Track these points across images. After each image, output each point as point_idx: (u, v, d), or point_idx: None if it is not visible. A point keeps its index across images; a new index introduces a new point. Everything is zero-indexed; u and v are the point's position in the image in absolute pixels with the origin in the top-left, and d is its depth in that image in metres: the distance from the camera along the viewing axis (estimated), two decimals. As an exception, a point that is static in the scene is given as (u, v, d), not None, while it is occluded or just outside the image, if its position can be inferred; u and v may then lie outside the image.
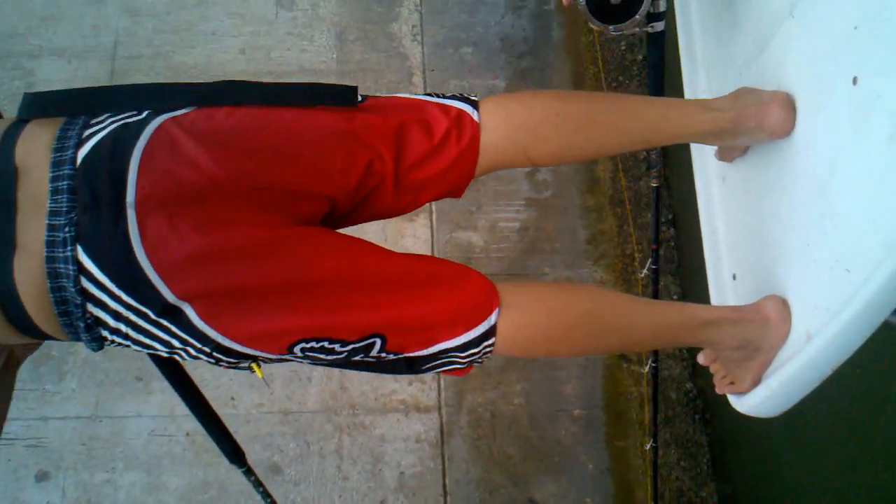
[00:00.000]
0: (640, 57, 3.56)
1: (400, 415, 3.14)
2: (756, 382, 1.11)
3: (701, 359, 1.23)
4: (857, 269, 0.88)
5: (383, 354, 1.06)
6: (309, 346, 1.02)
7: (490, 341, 1.07)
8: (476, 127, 1.09)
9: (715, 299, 1.34)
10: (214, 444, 2.61)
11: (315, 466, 3.00)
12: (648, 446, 2.77)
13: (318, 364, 1.09)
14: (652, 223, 2.46)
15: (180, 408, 2.82)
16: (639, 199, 3.51)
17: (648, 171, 3.53)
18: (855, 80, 0.90)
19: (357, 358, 1.07)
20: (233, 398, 3.00)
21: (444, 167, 1.10)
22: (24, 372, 2.72)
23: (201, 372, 3.02)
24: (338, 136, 1.04)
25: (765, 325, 1.08)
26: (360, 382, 3.14)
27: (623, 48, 3.59)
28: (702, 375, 3.32)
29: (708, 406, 3.31)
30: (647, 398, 3.37)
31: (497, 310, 1.06)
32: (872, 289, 0.83)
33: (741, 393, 1.14)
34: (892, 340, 1.86)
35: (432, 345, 1.07)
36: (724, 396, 2.72)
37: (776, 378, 1.05)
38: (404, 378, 3.21)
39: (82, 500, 2.77)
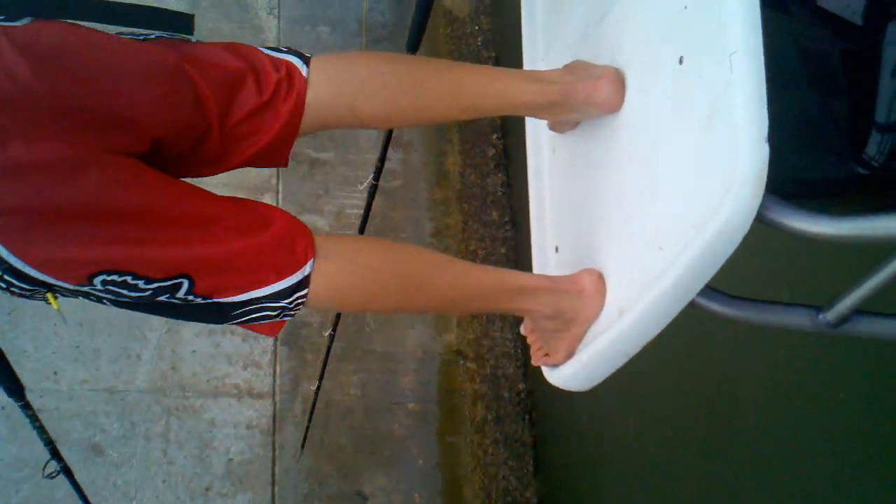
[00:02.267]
0: (495, 54, 4.31)
1: (232, 399, 3.70)
2: (569, 355, 1.24)
3: (521, 328, 1.39)
4: (668, 248, 0.99)
5: (190, 297, 1.15)
6: (111, 279, 1.10)
7: (303, 292, 1.18)
8: (303, 82, 1.23)
9: (537, 270, 1.48)
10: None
11: (139, 449, 3.50)
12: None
13: (120, 303, 1.17)
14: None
15: (-1, 380, 3.27)
16: (485, 195, 4.24)
17: (496, 168, 4.29)
18: (681, 60, 1.01)
19: (162, 299, 1.15)
20: (55, 372, 3.45)
21: (271, 122, 1.23)
22: None
23: (22, 342, 3.47)
24: (168, 71, 1.15)
25: (579, 296, 1.22)
26: (193, 363, 3.67)
27: (479, 43, 4.33)
28: (533, 376, 4.07)
29: (535, 406, 4.05)
30: (481, 395, 4.11)
31: (312, 260, 1.17)
32: (681, 268, 0.95)
33: (554, 365, 1.27)
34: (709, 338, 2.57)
35: (243, 291, 1.17)
36: (550, 397, 3.45)
37: (587, 353, 1.18)
38: (239, 362, 3.77)
39: None
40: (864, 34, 1.08)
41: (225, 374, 3.70)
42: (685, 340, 2.59)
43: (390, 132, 2.25)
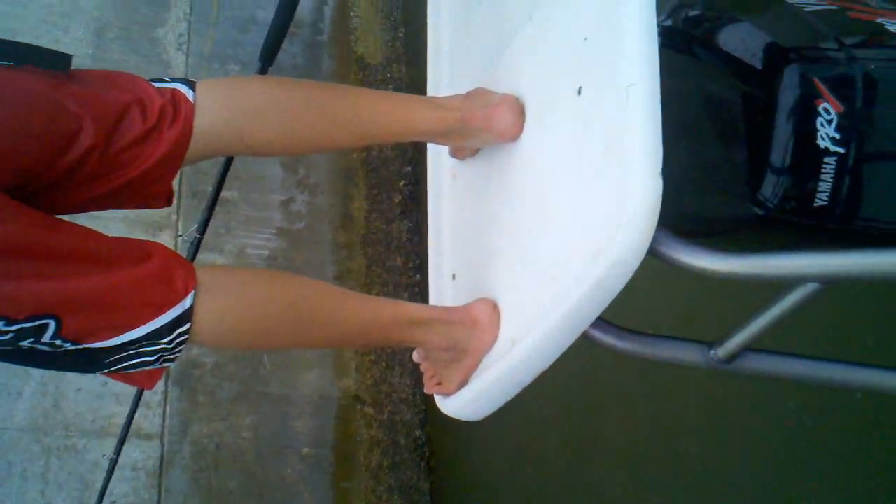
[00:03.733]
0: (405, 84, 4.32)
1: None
2: (462, 385, 1.22)
3: (413, 356, 1.35)
4: (561, 280, 0.99)
5: (58, 342, 1.04)
6: None
7: (184, 328, 1.09)
8: (190, 108, 1.15)
9: (434, 298, 1.47)
10: None
11: (15, 490, 3.27)
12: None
13: None
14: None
15: None
16: (390, 241, 4.20)
17: (402, 215, 4.26)
18: (580, 91, 1.01)
19: (25, 344, 1.04)
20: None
21: (153, 148, 1.14)
22: None
23: None
24: (41, 99, 1.07)
25: (473, 328, 1.20)
26: (78, 402, 3.47)
27: (391, 91, 4.33)
28: (431, 423, 4.02)
29: (433, 453, 3.99)
30: (377, 441, 4.02)
31: (193, 293, 1.08)
32: (572, 300, 0.94)
33: (447, 394, 1.25)
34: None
35: (117, 333, 1.07)
36: (451, 447, 3.42)
37: (478, 382, 1.17)
38: (127, 401, 3.58)
39: None
40: (762, 78, 1.09)
41: (112, 414, 3.51)
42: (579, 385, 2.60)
43: (228, 162, 2.19)
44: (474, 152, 1.38)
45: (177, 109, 1.15)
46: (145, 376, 1.17)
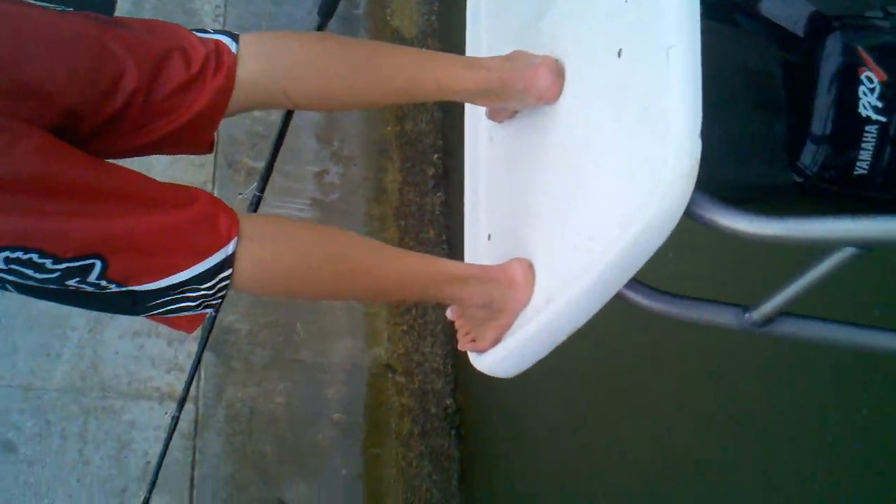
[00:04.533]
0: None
1: (154, 402, 3.56)
2: (496, 342, 1.24)
3: (448, 313, 1.36)
4: (596, 239, 1.00)
5: (104, 283, 1.05)
6: (15, 256, 1.00)
7: (226, 273, 1.09)
8: (233, 59, 1.16)
9: (469, 258, 1.48)
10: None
11: (55, 447, 3.34)
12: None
13: (25, 287, 1.08)
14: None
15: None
16: (423, 213, 4.20)
17: (435, 188, 4.25)
18: (620, 53, 1.01)
19: (72, 283, 1.05)
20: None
21: (196, 97, 1.15)
22: None
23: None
24: (86, 41, 1.08)
25: (509, 286, 1.21)
26: (115, 365, 3.53)
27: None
28: (461, 392, 4.03)
29: (464, 422, 4.01)
30: (408, 409, 4.04)
31: (236, 239, 1.09)
32: (607, 260, 0.95)
33: (481, 351, 1.27)
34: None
35: (161, 276, 1.07)
36: (480, 415, 3.45)
37: (512, 340, 1.19)
38: (163, 365, 3.64)
39: None
40: (804, 46, 1.07)
41: (148, 377, 3.56)
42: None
43: (281, 137, 2.20)
44: (512, 114, 1.37)
45: (220, 60, 1.15)
46: (186, 321, 1.18)
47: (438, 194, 4.19)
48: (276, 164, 3.96)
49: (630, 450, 2.69)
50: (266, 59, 1.18)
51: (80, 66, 1.07)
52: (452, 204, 4.17)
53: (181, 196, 1.12)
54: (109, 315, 3.54)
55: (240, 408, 3.72)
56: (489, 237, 1.44)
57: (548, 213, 1.20)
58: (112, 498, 3.37)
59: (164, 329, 3.68)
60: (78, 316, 3.49)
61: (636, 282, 0.97)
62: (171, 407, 3.58)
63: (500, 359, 1.21)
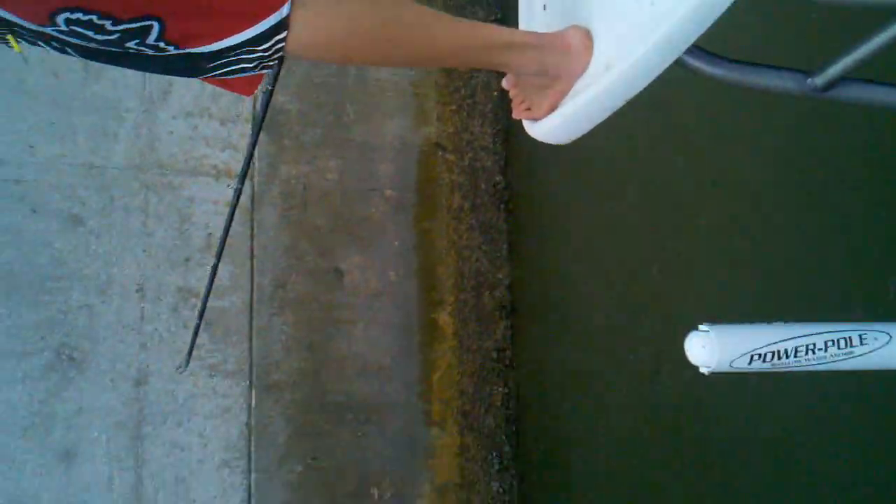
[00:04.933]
0: None
1: (210, 178, 3.65)
2: (552, 109, 1.25)
3: (504, 83, 1.36)
4: (660, 4, 0.98)
5: (162, 45, 1.07)
6: (75, 17, 1.01)
7: (282, 35, 1.10)
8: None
9: (523, 27, 1.46)
10: (11, 189, 3.04)
11: (119, 220, 3.48)
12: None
13: (87, 50, 1.10)
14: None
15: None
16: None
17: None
18: None
19: (132, 45, 1.07)
20: (31, 146, 3.37)
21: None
22: None
23: (-1, 115, 3.37)
24: None
25: (566, 53, 1.21)
26: (171, 144, 3.60)
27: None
28: (511, 168, 4.07)
29: (512, 197, 4.07)
30: (458, 185, 4.10)
31: (289, 2, 1.09)
32: (670, 23, 0.94)
33: (536, 119, 1.29)
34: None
35: (217, 38, 1.09)
36: (528, 190, 3.46)
37: (571, 105, 1.19)
38: (217, 144, 3.69)
39: None
40: None
41: (203, 155, 3.64)
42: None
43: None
44: None
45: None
46: (245, 83, 1.22)
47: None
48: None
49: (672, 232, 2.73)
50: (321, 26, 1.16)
51: None
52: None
53: None
54: (162, 95, 3.57)
55: (294, 184, 3.80)
56: (544, 7, 1.40)
57: (607, -23, 1.15)
58: (178, 266, 3.55)
59: (216, 109, 3.72)
60: (131, 98, 3.52)
61: (697, 48, 0.95)
62: (228, 183, 3.68)
63: (555, 125, 1.21)
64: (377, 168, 3.97)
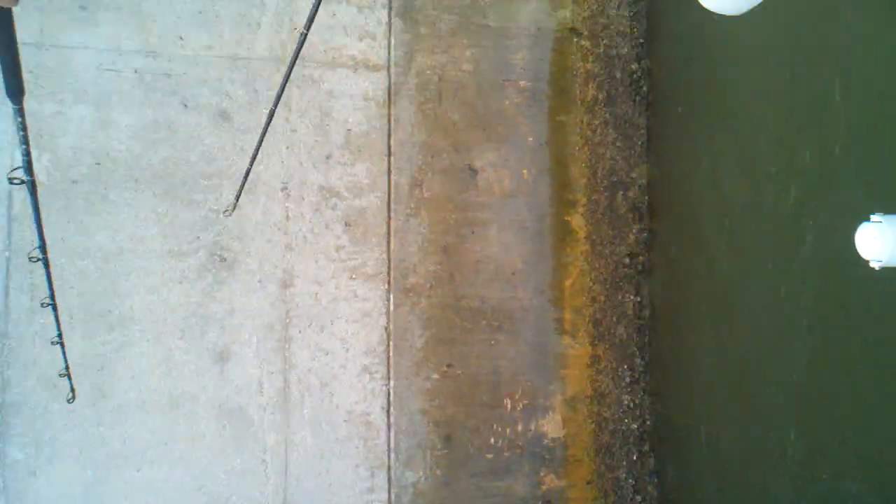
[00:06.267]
0: None
1: (349, 70, 3.55)
2: None
3: None
4: None
5: None
6: None
7: None
8: None
9: None
10: (163, 83, 2.98)
11: (264, 115, 3.42)
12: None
13: None
14: None
15: (128, 42, 3.12)
16: None
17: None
18: None
19: None
20: (181, 38, 3.26)
21: None
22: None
23: (148, 5, 3.26)
24: None
25: None
26: (311, 33, 3.49)
27: None
28: (651, 56, 3.92)
29: (653, 87, 3.94)
30: (593, 75, 3.99)
31: None
32: None
33: None
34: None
35: None
36: (670, 81, 3.26)
37: None
38: (354, 33, 3.57)
39: (33, 130, 3.04)
40: None
41: (341, 45, 3.52)
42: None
43: None
44: None
45: None
46: None
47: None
48: None
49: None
50: None
51: None
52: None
53: None
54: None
55: (429, 75, 3.69)
56: None
57: None
58: (319, 164, 3.48)
59: (354, -8, 3.59)
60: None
61: None
62: (366, 76, 3.59)
63: None
64: (512, 57, 3.84)
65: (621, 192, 3.91)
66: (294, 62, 2.09)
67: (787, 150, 2.80)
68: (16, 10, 2.99)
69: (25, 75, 2.87)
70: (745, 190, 3.08)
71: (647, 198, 3.92)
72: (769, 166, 2.90)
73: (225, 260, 3.32)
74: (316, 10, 2.02)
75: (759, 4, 1.12)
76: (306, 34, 2.41)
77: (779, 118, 2.89)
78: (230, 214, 2.82)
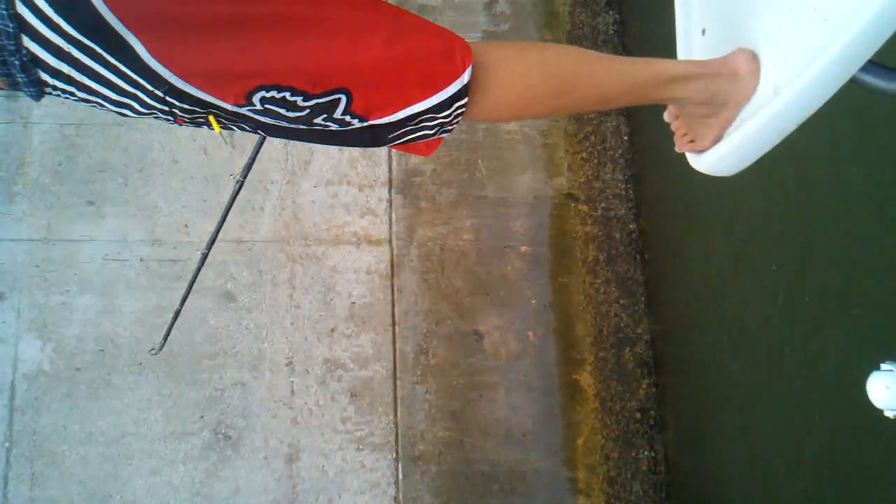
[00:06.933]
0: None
1: (351, 246, 3.72)
2: (717, 140, 1.21)
3: (665, 116, 1.33)
4: (833, 17, 0.92)
5: (348, 118, 1.10)
6: (269, 95, 1.06)
7: (462, 101, 1.13)
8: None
9: (682, 56, 1.41)
10: (168, 269, 3.14)
11: (268, 294, 3.56)
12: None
13: (279, 128, 1.14)
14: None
15: (133, 232, 3.32)
16: (597, 35, 4.07)
17: (607, 7, 4.09)
18: None
19: (319, 121, 1.11)
20: (186, 225, 3.48)
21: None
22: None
23: (153, 198, 3.50)
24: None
25: (732, 79, 1.17)
26: (313, 213, 3.68)
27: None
28: (645, 217, 4.03)
29: (648, 246, 4.04)
30: (592, 237, 4.10)
31: (470, 68, 1.11)
32: (846, 39, 0.88)
33: (701, 150, 1.24)
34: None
35: (400, 108, 1.12)
36: (664, 237, 3.40)
37: (738, 133, 1.14)
38: (356, 211, 3.76)
39: (38, 321, 3.27)
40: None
41: (343, 223, 3.70)
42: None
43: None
44: None
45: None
46: (424, 146, 1.25)
47: (611, 13, 4.03)
48: (447, 1, 3.89)
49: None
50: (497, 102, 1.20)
51: None
52: (627, 22, 4.02)
53: (413, 26, 1.15)
54: (303, 165, 3.67)
55: (431, 246, 3.83)
56: (703, 32, 1.35)
57: (772, -4, 1.05)
58: (324, 337, 3.59)
59: (354, 175, 3.79)
60: (275, 170, 3.62)
61: (873, 64, 0.90)
62: (369, 250, 3.75)
63: (721, 157, 1.17)
64: (511, 225, 3.98)
65: (628, 349, 3.93)
66: (230, 207, 2.23)
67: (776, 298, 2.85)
68: (24, 209, 3.22)
69: (32, 270, 3.07)
70: (739, 337, 3.13)
71: (653, 352, 3.93)
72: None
73: (229, 438, 3.39)
74: (253, 160, 2.18)
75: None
76: (242, 182, 2.58)
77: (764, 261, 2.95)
78: (157, 353, 2.89)
